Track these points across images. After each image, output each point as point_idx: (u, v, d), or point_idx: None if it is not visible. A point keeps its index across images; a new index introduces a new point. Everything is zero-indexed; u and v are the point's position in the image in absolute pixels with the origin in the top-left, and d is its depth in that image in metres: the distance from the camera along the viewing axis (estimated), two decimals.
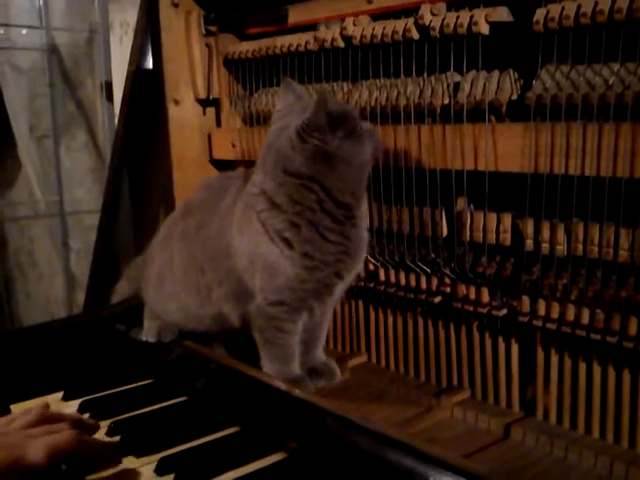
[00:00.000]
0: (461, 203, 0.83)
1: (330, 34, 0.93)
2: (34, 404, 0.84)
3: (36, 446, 0.65)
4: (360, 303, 0.98)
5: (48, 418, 0.72)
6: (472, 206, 0.82)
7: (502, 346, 0.81)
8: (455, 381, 0.86)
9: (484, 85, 0.79)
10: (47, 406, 0.78)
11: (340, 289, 0.86)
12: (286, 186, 0.80)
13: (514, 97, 0.77)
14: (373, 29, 0.87)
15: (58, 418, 0.73)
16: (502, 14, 0.76)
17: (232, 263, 0.86)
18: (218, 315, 0.90)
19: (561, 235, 0.73)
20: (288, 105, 0.85)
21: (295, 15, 1.02)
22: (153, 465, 0.71)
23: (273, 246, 0.81)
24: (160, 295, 0.97)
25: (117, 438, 0.77)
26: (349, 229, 0.82)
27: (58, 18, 2.21)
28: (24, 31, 2.21)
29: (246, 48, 1.09)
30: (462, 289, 0.82)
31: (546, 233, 0.74)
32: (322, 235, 0.80)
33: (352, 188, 0.81)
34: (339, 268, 0.82)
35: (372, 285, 0.93)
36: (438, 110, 0.83)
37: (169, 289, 0.95)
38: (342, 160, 0.78)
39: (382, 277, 0.92)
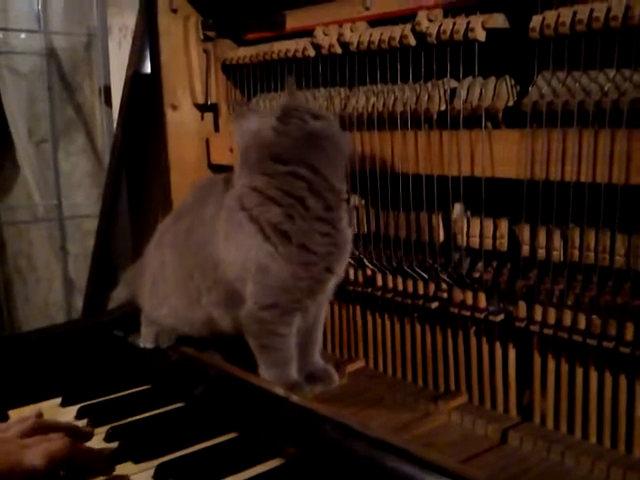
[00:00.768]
0: (458, 209, 0.83)
1: (327, 40, 0.93)
2: (32, 410, 0.85)
3: (33, 453, 0.65)
4: (357, 308, 0.98)
5: (42, 426, 0.73)
6: (469, 212, 0.83)
7: (499, 351, 0.81)
8: (452, 386, 0.87)
9: (480, 91, 0.79)
10: (41, 414, 0.78)
11: (331, 285, 0.86)
12: (276, 178, 0.81)
13: (510, 103, 0.77)
14: (370, 35, 0.88)
15: (52, 427, 0.74)
16: (498, 21, 0.77)
17: (221, 274, 0.86)
18: (208, 320, 0.91)
19: (557, 241, 0.73)
20: (252, 122, 0.86)
21: (293, 21, 1.02)
22: (151, 471, 0.71)
23: (266, 245, 0.81)
24: (154, 300, 0.97)
25: (115, 444, 0.77)
26: (337, 220, 0.83)
27: (57, 22, 2.22)
28: (23, 35, 2.22)
29: (244, 54, 1.10)
30: (459, 294, 0.83)
31: (542, 239, 0.75)
32: (313, 227, 0.81)
33: (337, 171, 0.83)
34: (330, 261, 0.83)
35: (369, 290, 0.93)
36: (435, 116, 0.83)
37: (161, 294, 0.95)
38: (324, 138, 0.81)
39: (379, 282, 0.92)
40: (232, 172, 0.89)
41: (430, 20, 0.82)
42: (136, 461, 0.74)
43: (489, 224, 0.79)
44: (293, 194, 0.80)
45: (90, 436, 0.77)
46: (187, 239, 0.91)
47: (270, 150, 0.81)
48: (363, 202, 0.93)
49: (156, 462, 0.72)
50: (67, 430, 0.73)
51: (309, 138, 0.80)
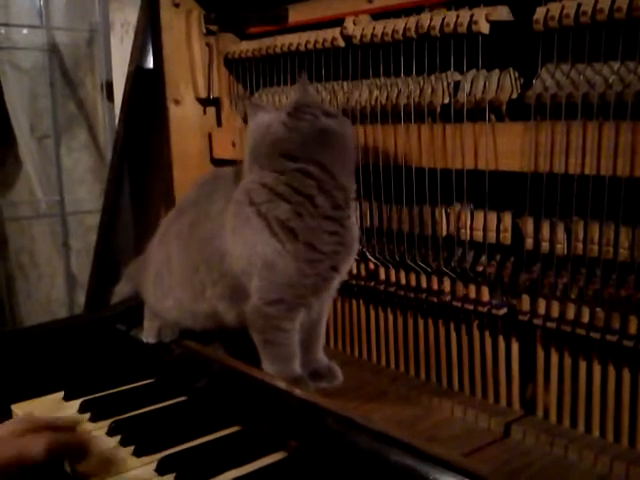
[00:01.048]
0: (461, 202, 0.83)
1: (330, 33, 0.93)
2: (35, 404, 0.85)
3: (35, 442, 0.66)
4: (360, 302, 0.98)
5: (35, 425, 0.72)
6: (472, 205, 0.82)
7: (502, 345, 0.81)
8: (455, 380, 0.86)
9: (484, 84, 0.79)
10: (29, 416, 0.79)
11: (336, 283, 0.86)
12: (286, 174, 0.81)
13: (514, 96, 0.77)
14: (373, 28, 0.87)
15: (45, 423, 0.74)
16: (502, 13, 0.76)
17: (227, 267, 0.86)
18: (212, 313, 0.91)
19: (561, 234, 0.73)
20: (261, 118, 0.86)
21: (295, 14, 1.02)
22: (154, 465, 0.71)
23: (273, 241, 0.81)
24: (158, 292, 0.97)
25: (117, 438, 0.77)
26: (345, 219, 0.83)
27: (59, 18, 2.21)
28: (25, 31, 2.21)
29: (246, 47, 1.10)
30: (462, 288, 0.82)
31: (546, 232, 0.74)
32: (321, 226, 0.81)
33: (347, 169, 0.83)
34: (336, 260, 0.83)
35: (372, 284, 0.93)
36: (438, 109, 0.83)
37: (166, 286, 0.95)
38: (334, 136, 0.81)
39: (382, 276, 0.92)
40: (238, 165, 0.89)
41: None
42: (139, 455, 0.74)
43: (493, 217, 0.79)
44: (302, 192, 0.80)
45: (74, 426, 0.78)
46: (193, 233, 0.91)
47: (280, 146, 0.81)
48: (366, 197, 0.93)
49: (159, 456, 0.72)
50: (49, 423, 0.73)
51: (319, 135, 0.80)
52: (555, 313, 0.73)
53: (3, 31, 2.19)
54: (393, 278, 0.91)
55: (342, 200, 0.82)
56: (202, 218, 0.91)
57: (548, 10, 0.70)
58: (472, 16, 0.77)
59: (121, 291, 1.10)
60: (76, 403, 0.88)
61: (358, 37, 0.89)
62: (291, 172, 0.80)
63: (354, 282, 0.95)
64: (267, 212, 0.81)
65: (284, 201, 0.81)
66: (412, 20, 0.83)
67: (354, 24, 0.91)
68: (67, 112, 2.25)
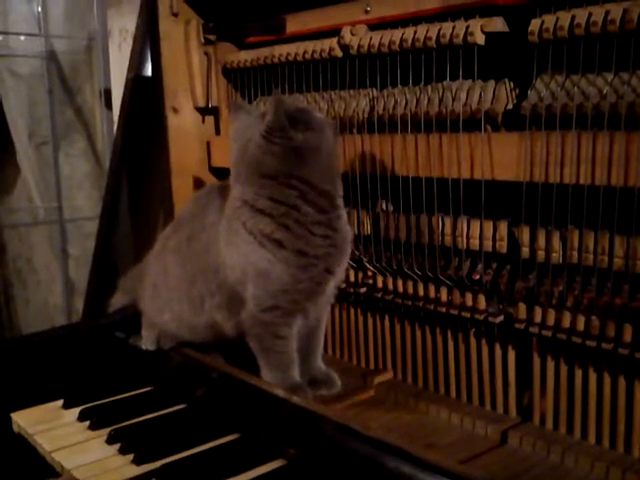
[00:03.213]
0: (457, 211, 0.83)
1: (328, 44, 0.94)
2: (34, 412, 0.85)
3: None
4: (358, 310, 0.98)
5: None
6: (469, 214, 0.83)
7: (499, 352, 0.82)
8: (452, 387, 0.87)
9: (480, 95, 0.79)
10: None
11: (331, 287, 0.87)
12: (265, 189, 0.82)
13: (510, 107, 0.78)
14: (370, 39, 0.88)
15: None
16: (497, 24, 0.77)
17: (222, 278, 0.87)
18: (211, 324, 0.91)
19: (556, 243, 0.74)
20: (243, 123, 0.87)
21: (293, 25, 1.03)
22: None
23: (264, 251, 0.82)
24: (155, 306, 0.97)
25: (117, 446, 0.78)
26: (335, 221, 0.83)
27: (57, 25, 2.22)
28: (23, 38, 2.22)
29: (244, 57, 1.10)
30: (459, 296, 0.83)
31: (542, 241, 0.75)
32: (311, 230, 0.82)
33: (327, 175, 0.83)
34: (329, 262, 0.83)
35: (370, 292, 0.94)
36: (434, 119, 0.84)
37: (164, 299, 0.96)
38: (310, 150, 0.81)
39: (380, 284, 0.93)
40: (227, 181, 0.90)
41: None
42: (138, 463, 0.74)
43: (489, 226, 0.80)
44: (286, 203, 0.81)
45: None
46: (189, 246, 0.92)
47: (257, 168, 0.82)
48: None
49: (158, 463, 0.73)
50: None
51: (294, 153, 0.80)
52: (551, 321, 0.74)
53: (1, 38, 2.19)
54: (390, 286, 0.91)
55: (327, 205, 0.83)
56: (198, 231, 0.91)
57: (543, 22, 0.71)
58: (468, 27, 0.78)
59: (117, 302, 1.10)
60: (75, 411, 0.88)
61: (355, 47, 0.90)
62: (271, 186, 0.81)
63: (352, 290, 0.96)
64: (252, 227, 0.82)
65: (266, 216, 0.81)
66: (409, 31, 0.84)
67: (351, 34, 0.92)
68: (65, 119, 2.26)
